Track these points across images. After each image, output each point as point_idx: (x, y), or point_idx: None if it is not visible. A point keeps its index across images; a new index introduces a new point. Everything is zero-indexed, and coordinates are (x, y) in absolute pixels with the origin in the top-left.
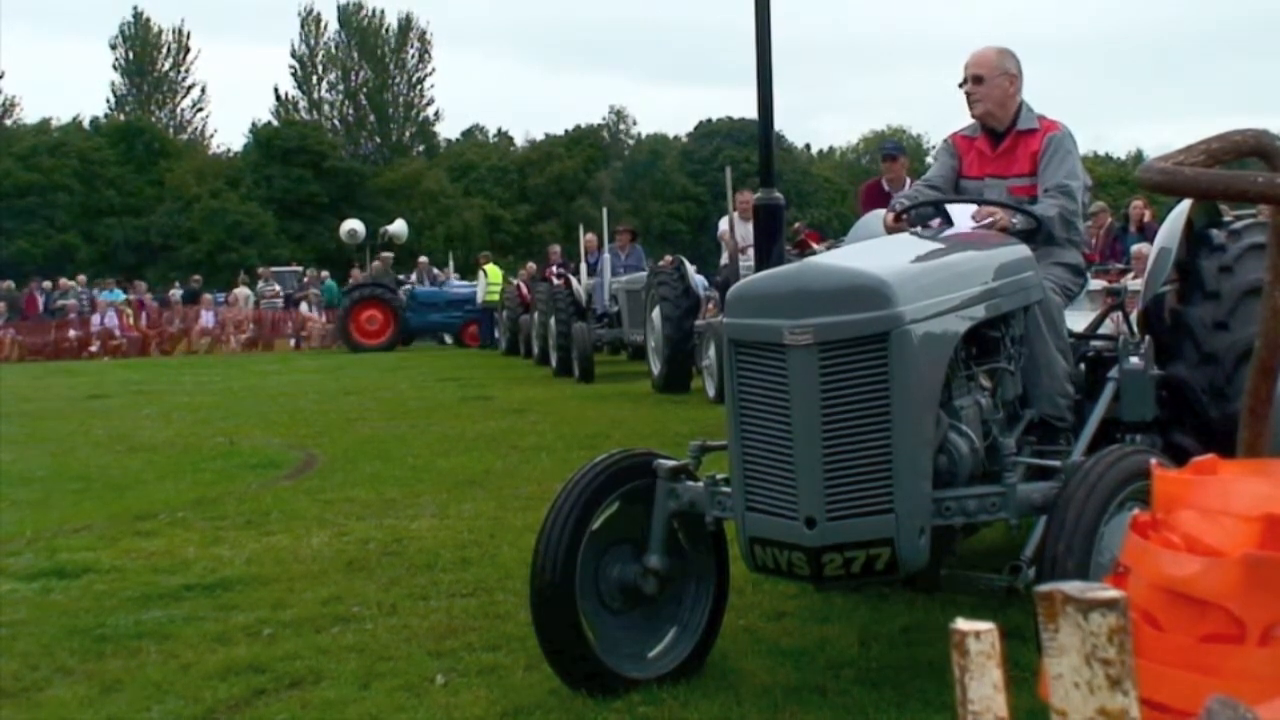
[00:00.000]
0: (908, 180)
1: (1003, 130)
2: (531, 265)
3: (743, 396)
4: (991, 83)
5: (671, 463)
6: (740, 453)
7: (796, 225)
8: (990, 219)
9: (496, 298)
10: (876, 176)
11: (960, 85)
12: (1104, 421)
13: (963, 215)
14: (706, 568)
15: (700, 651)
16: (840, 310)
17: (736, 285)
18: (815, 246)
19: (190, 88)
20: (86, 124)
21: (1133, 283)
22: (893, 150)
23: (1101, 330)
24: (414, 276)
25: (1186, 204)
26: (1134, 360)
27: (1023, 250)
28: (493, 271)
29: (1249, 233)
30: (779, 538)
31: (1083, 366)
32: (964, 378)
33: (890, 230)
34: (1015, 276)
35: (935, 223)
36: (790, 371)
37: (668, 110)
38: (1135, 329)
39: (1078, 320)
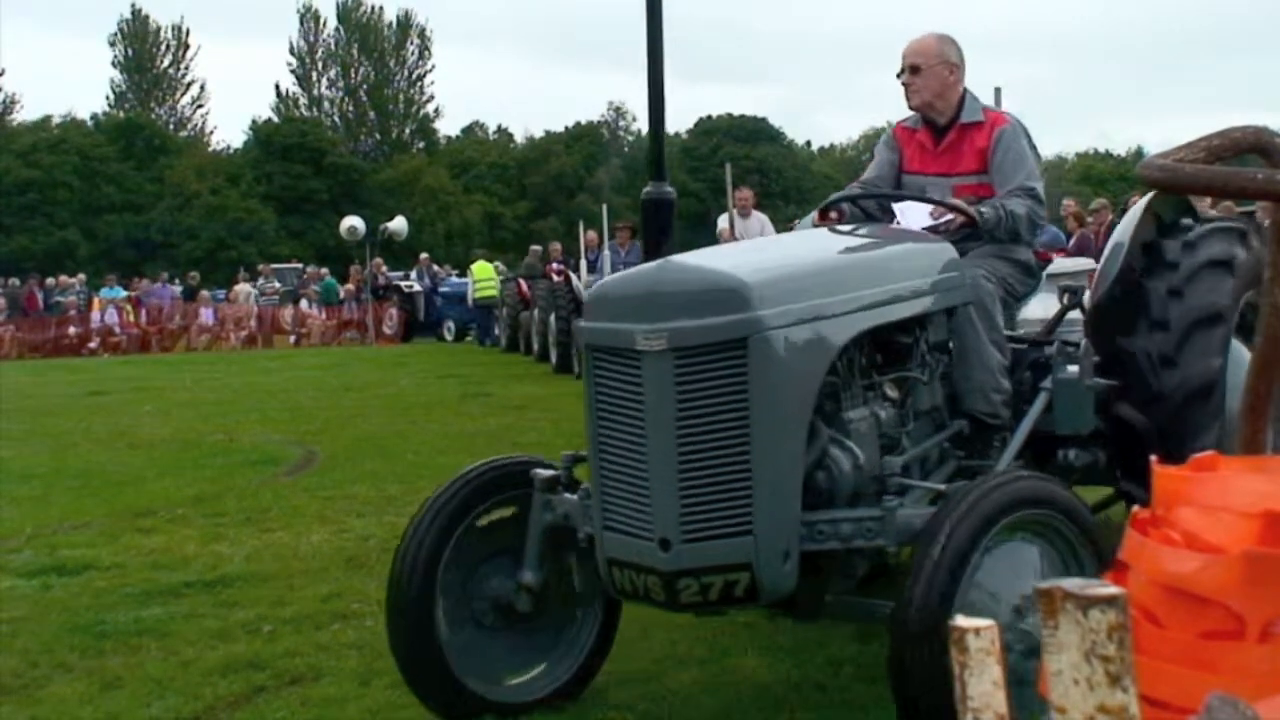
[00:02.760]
0: None
1: (945, 123)
2: (537, 248)
3: (599, 406)
4: (930, 72)
5: (547, 472)
6: (598, 467)
7: (794, 223)
8: (947, 217)
9: (493, 293)
10: None
11: (898, 76)
12: (1046, 436)
13: (914, 213)
14: (591, 587)
15: (582, 677)
16: (695, 314)
17: (596, 286)
18: None
19: (190, 84)
20: (86, 120)
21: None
22: None
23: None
24: (414, 274)
25: (1146, 200)
26: (1069, 369)
27: (944, 251)
28: (481, 269)
29: (1205, 244)
30: (634, 560)
31: (1030, 374)
32: (860, 387)
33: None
34: (932, 278)
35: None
36: (644, 380)
37: (668, 107)
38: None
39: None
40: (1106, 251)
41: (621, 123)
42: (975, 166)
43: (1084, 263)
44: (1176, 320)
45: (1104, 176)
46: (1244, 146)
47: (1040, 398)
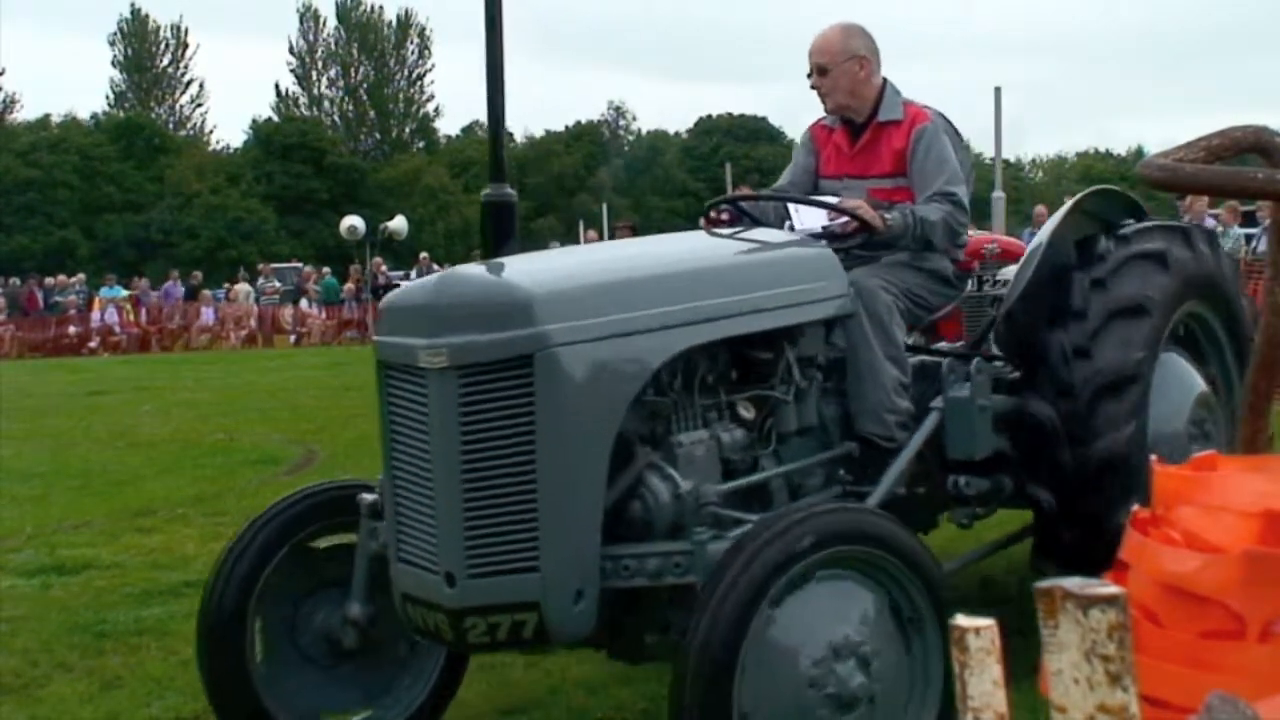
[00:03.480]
0: None
1: (862, 122)
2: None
3: (392, 427)
4: (838, 70)
5: (372, 497)
6: (391, 494)
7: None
8: (841, 220)
9: None
10: None
11: (807, 77)
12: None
13: (809, 216)
14: None
15: None
16: (478, 329)
17: (389, 295)
18: None
19: (189, 84)
20: (86, 119)
21: None
22: None
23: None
24: (414, 273)
25: (1076, 198)
26: (961, 387)
27: (821, 259)
28: None
29: (1139, 239)
30: (424, 596)
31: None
32: (700, 407)
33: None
34: (803, 286)
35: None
36: (428, 399)
37: (667, 106)
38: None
39: None
40: (1026, 252)
41: (621, 122)
42: (891, 168)
43: None
44: (1096, 310)
45: (1104, 176)
46: (1244, 146)
47: (930, 418)
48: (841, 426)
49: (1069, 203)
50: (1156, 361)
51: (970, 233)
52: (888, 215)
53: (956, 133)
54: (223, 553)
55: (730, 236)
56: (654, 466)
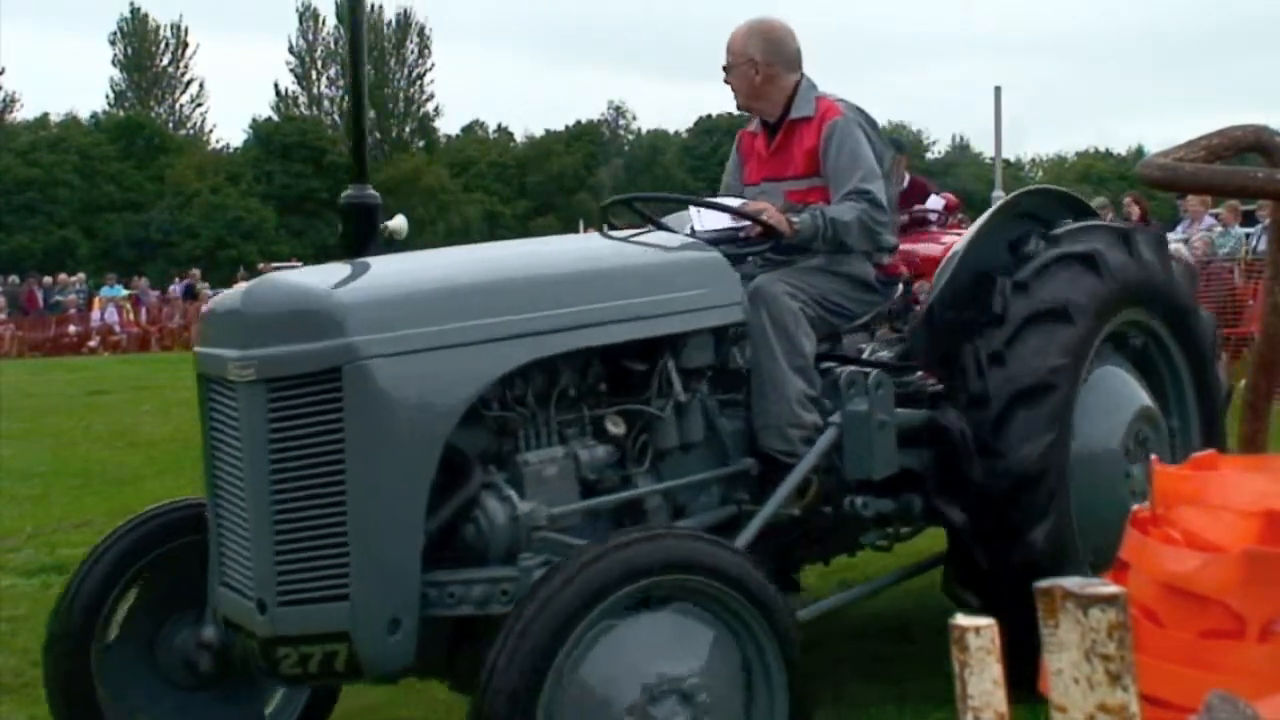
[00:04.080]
0: (905, 176)
1: (774, 122)
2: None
3: (211, 442)
4: (737, 71)
5: None
6: (212, 513)
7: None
8: (745, 222)
9: None
10: None
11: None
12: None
13: (711, 219)
14: None
15: None
16: (286, 340)
17: (209, 302)
18: None
19: (189, 83)
20: (86, 119)
21: None
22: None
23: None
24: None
25: (1004, 200)
26: (858, 402)
27: (710, 264)
28: None
29: (1071, 239)
30: (240, 621)
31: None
32: (557, 423)
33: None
34: (686, 293)
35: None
36: (239, 414)
37: (666, 105)
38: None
39: None
40: (947, 256)
41: (621, 121)
42: (804, 168)
43: None
44: (1015, 314)
45: (1104, 176)
46: (1244, 145)
47: (826, 435)
48: (744, 441)
49: (996, 204)
50: (1084, 371)
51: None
52: (795, 218)
53: (873, 126)
54: (61, 594)
55: (623, 240)
56: (491, 487)
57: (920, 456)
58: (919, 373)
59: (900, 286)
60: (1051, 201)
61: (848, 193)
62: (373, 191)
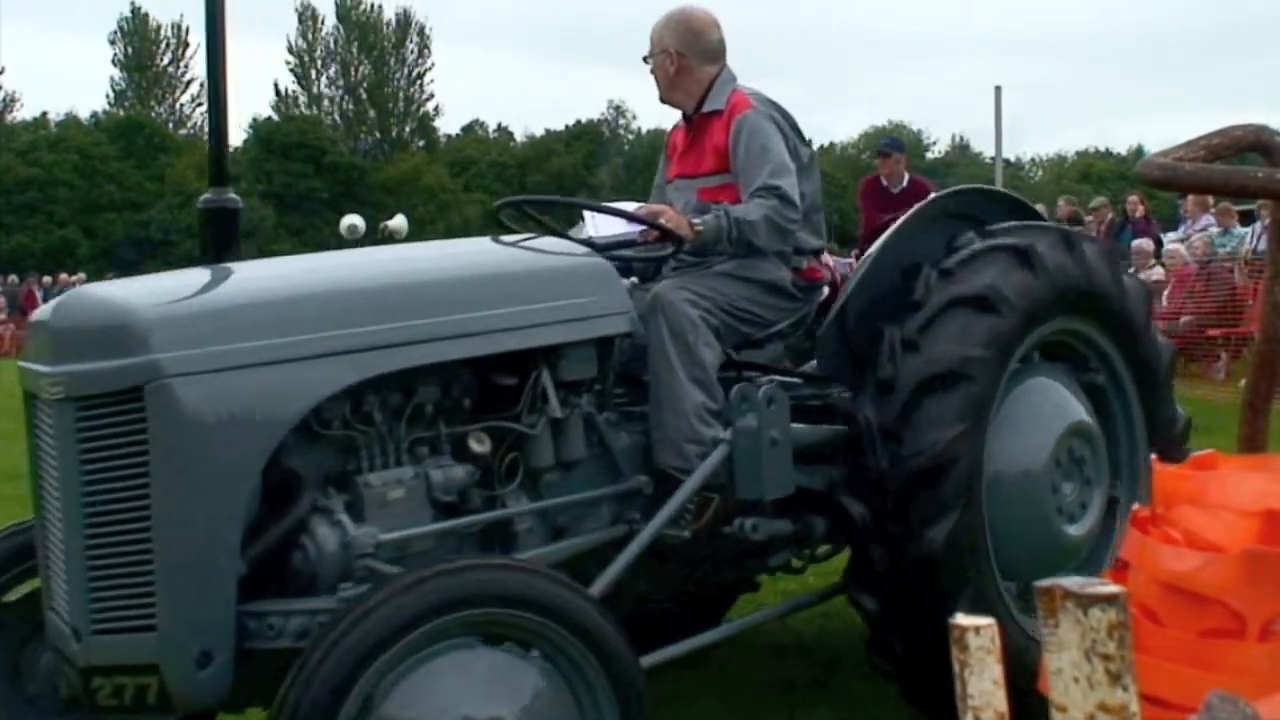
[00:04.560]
0: (905, 175)
1: (690, 116)
2: None
3: (36, 462)
4: (654, 61)
5: None
6: (39, 536)
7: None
8: (639, 227)
9: None
10: (875, 173)
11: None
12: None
13: (605, 223)
14: None
15: None
16: (91, 357)
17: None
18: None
19: (189, 83)
20: (86, 118)
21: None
22: (886, 147)
23: None
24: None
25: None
26: (748, 418)
27: (588, 271)
28: None
29: (1006, 234)
30: (60, 647)
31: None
32: (408, 442)
33: None
34: (552, 303)
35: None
36: (53, 434)
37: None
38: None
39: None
40: (860, 261)
41: (622, 121)
42: (715, 165)
43: None
44: (936, 300)
45: (1104, 175)
46: (1244, 145)
47: (715, 453)
48: (640, 458)
49: (918, 205)
50: (1007, 369)
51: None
52: (698, 220)
53: (787, 119)
54: None
55: (502, 246)
56: (323, 511)
57: (828, 474)
58: (837, 384)
59: (825, 291)
60: (990, 203)
61: (756, 190)
62: (233, 195)
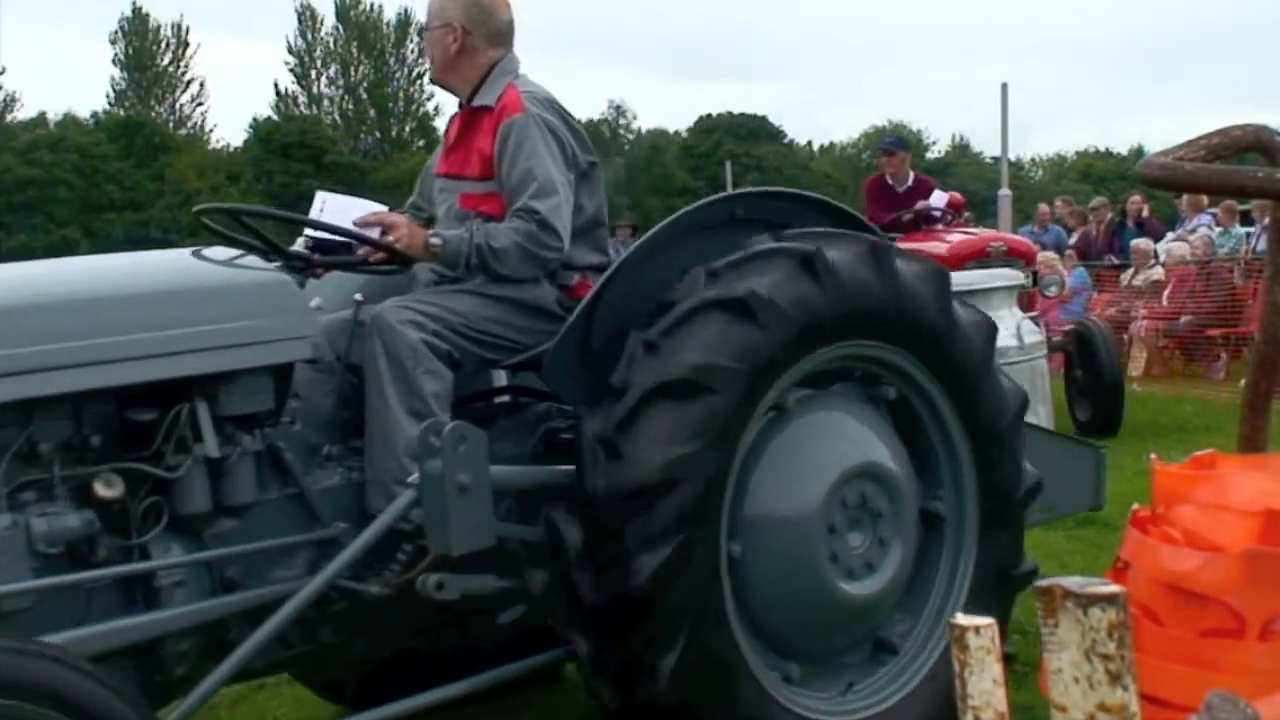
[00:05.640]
0: (910, 174)
1: (465, 104)
2: None
3: None
4: (430, 36)
5: None
6: None
7: None
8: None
9: None
10: (879, 172)
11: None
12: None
13: (340, 213)
14: None
15: None
16: None
17: None
18: None
19: (189, 82)
20: (86, 118)
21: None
22: (891, 145)
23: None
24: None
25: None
26: (434, 460)
27: (258, 290)
28: None
29: (799, 238)
30: None
31: None
32: (13, 489)
33: None
34: (201, 328)
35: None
36: None
37: (668, 105)
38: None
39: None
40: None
41: (622, 121)
42: (480, 170)
43: (967, 277)
44: (690, 301)
45: (1104, 175)
46: (1244, 145)
47: (401, 498)
48: (348, 500)
49: (678, 213)
50: (769, 392)
51: (976, 230)
52: (437, 239)
53: (568, 122)
54: None
55: (188, 260)
56: None
57: (549, 525)
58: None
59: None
60: (806, 209)
61: (515, 211)
62: None
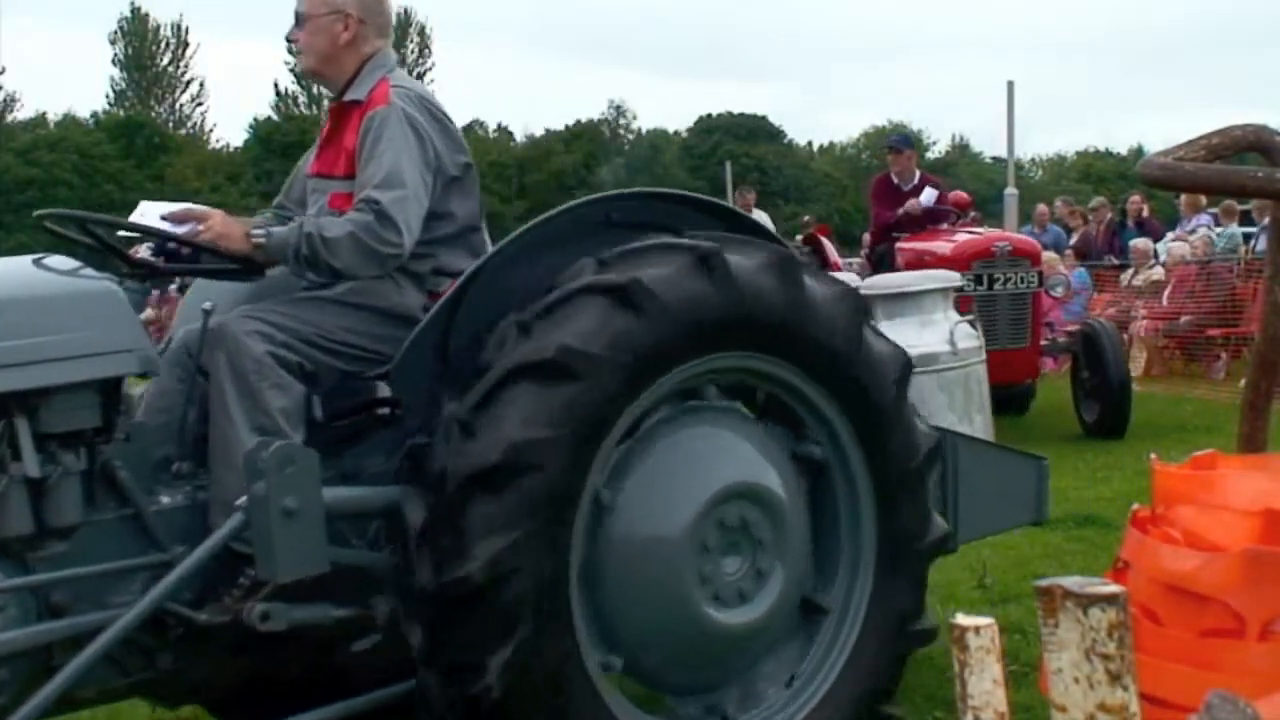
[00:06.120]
0: (916, 173)
1: (334, 101)
2: None
3: None
4: (315, 24)
5: None
6: None
7: (806, 219)
8: (189, 231)
9: None
10: (885, 170)
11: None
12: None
13: (155, 239)
14: None
15: None
16: None
17: None
18: (825, 241)
19: (189, 82)
20: (86, 118)
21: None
22: (898, 143)
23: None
24: None
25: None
26: (260, 481)
27: (77, 300)
28: None
29: (620, 264)
30: None
31: None
32: None
33: None
34: (16, 342)
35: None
36: None
37: (668, 105)
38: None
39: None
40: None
41: (622, 121)
42: (347, 168)
43: (899, 279)
44: (496, 369)
45: (1104, 175)
46: (1244, 144)
47: (231, 520)
48: (191, 521)
49: (548, 213)
50: (606, 440)
51: (981, 229)
52: (259, 232)
53: (439, 121)
54: None
55: (10, 269)
56: None
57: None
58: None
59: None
60: (688, 209)
61: (357, 201)
62: None
